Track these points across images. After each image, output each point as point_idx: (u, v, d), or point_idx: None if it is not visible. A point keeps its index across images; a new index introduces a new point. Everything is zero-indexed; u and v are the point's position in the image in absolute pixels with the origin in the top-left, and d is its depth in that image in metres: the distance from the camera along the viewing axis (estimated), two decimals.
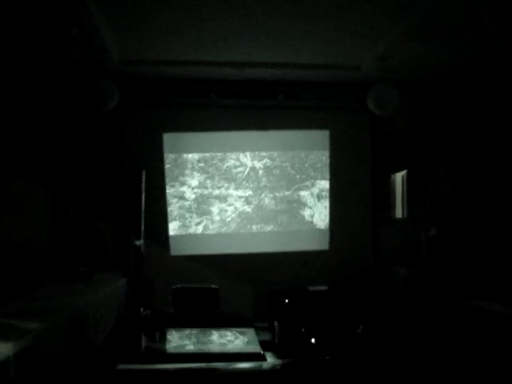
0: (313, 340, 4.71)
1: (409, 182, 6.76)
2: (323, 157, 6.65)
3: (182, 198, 6.48)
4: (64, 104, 5.99)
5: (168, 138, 6.40)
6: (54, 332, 2.83)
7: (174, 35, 4.91)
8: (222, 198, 6.54)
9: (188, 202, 6.50)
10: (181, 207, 6.49)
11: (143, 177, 4.92)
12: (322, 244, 6.61)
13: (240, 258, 6.40)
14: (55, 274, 4.74)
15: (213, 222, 6.53)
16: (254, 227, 6.57)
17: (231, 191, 6.55)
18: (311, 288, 5.66)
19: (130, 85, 6.20)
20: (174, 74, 6.10)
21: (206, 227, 6.51)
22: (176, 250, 6.39)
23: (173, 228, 6.44)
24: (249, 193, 6.59)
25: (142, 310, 4.60)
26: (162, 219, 6.35)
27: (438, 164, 6.75)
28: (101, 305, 4.10)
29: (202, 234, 6.47)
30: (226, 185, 6.54)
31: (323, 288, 5.70)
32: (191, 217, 6.49)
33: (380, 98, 5.88)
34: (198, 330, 5.19)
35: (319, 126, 6.64)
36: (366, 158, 6.70)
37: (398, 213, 6.85)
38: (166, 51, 5.40)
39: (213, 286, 5.81)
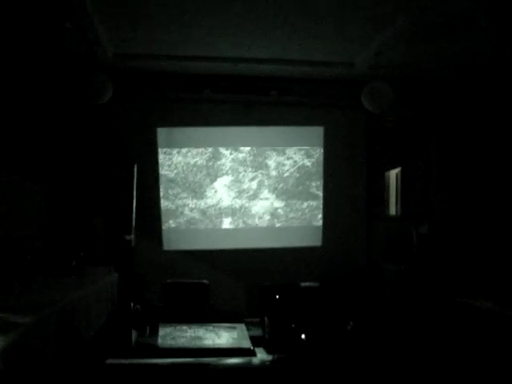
0: (303, 336, 4.73)
1: (403, 179, 6.78)
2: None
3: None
4: (58, 98, 5.97)
5: (161, 133, 6.40)
6: (44, 325, 2.84)
7: (169, 30, 4.90)
8: None
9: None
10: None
11: (135, 171, 4.92)
12: (315, 240, 6.63)
13: (232, 253, 6.40)
14: (47, 267, 4.73)
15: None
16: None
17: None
18: (302, 284, 5.67)
19: (124, 79, 6.16)
20: (168, 68, 6.08)
21: None
22: (169, 244, 6.39)
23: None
24: None
25: (131, 304, 4.61)
26: (156, 214, 6.34)
27: (431, 162, 6.76)
28: (92, 299, 4.09)
29: (195, 229, 6.47)
30: None
31: (315, 284, 5.72)
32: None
33: (375, 95, 5.88)
34: (189, 324, 5.21)
35: (313, 123, 6.65)
36: (361, 155, 6.71)
37: (392, 210, 6.85)
38: (160, 46, 5.39)
39: (203, 281, 5.83)
